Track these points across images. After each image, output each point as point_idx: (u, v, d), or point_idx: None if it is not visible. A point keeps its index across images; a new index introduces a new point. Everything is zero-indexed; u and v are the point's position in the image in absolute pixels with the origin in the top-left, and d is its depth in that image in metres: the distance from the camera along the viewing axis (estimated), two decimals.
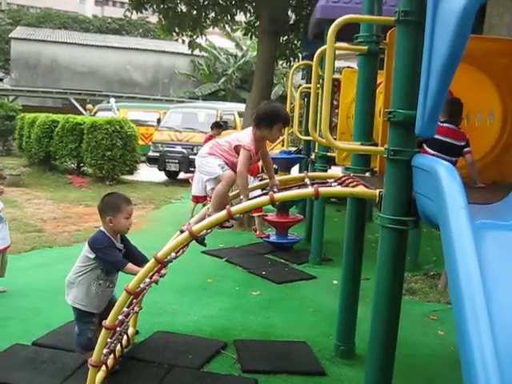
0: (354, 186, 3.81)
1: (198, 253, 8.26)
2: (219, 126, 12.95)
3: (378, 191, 3.43)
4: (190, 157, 16.15)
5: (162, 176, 18.73)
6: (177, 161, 17.55)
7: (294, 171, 11.46)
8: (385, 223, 3.27)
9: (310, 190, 3.70)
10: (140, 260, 4.44)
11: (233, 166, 4.31)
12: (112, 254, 4.33)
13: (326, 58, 3.81)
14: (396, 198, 3.23)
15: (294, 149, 11.46)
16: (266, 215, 9.33)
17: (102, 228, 4.46)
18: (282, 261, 8.31)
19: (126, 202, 4.50)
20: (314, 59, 5.12)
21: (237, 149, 4.30)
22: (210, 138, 12.83)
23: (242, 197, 4.21)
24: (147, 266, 3.80)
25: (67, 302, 4.51)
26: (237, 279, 7.27)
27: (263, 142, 4.46)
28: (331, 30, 3.64)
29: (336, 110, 8.14)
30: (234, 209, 3.75)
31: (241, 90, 37.05)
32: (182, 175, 18.29)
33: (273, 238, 9.07)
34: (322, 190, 3.67)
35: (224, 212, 3.75)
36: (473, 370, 1.80)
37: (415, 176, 3.13)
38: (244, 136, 4.35)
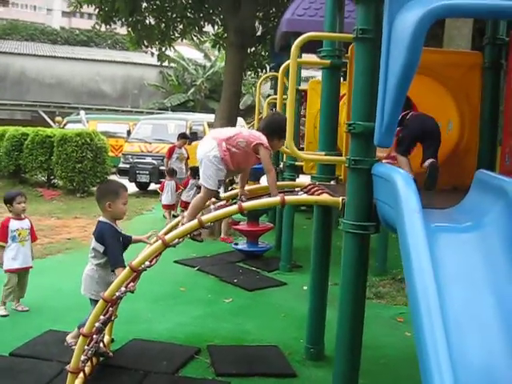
0: (318, 194, 3.99)
1: (170, 262, 8.40)
2: (185, 137, 13.21)
3: (341, 198, 3.62)
4: (161, 168, 16.21)
5: (132, 187, 18.73)
6: (147, 172, 17.59)
7: (264, 181, 11.62)
8: (347, 228, 3.46)
9: (276, 198, 3.88)
10: (128, 240, 4.74)
11: (236, 166, 4.47)
12: (117, 250, 4.50)
13: (290, 72, 3.99)
14: (357, 204, 3.43)
15: None
16: (238, 224, 9.48)
17: (102, 218, 4.64)
18: (253, 268, 8.45)
19: (123, 188, 4.71)
20: (280, 72, 5.31)
21: (255, 147, 4.41)
22: (174, 148, 13.03)
23: (272, 194, 4.27)
24: (122, 274, 3.93)
25: (84, 295, 4.67)
26: (209, 287, 7.40)
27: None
28: (294, 47, 3.83)
29: (304, 119, 8.35)
30: (204, 218, 3.91)
31: (210, 100, 37.16)
32: (152, 186, 18.32)
33: (244, 247, 9.21)
34: (288, 198, 3.85)
35: (195, 221, 3.91)
36: (427, 363, 1.97)
37: (375, 184, 3.32)
38: (261, 136, 4.48)
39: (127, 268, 3.92)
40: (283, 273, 8.20)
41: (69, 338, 4.84)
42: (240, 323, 6.03)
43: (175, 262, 8.56)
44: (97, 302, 4.36)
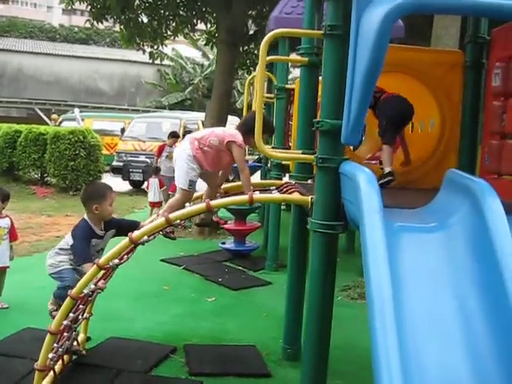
0: (290, 193, 3.95)
1: (156, 261, 8.38)
2: (175, 136, 13.19)
3: (310, 197, 3.58)
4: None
5: (126, 185, 18.72)
6: (141, 170, 17.58)
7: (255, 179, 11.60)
8: (315, 228, 3.42)
9: (245, 196, 3.84)
10: (135, 225, 4.55)
11: (211, 166, 4.47)
12: (82, 248, 4.41)
13: (258, 69, 3.95)
14: (325, 203, 3.39)
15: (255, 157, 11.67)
16: (226, 223, 9.45)
17: (85, 217, 4.57)
18: (240, 268, 8.42)
19: (110, 189, 4.65)
20: (260, 70, 5.26)
21: (228, 144, 4.42)
22: (164, 146, 13.01)
23: (245, 192, 4.25)
24: (90, 271, 3.89)
25: (48, 272, 4.60)
26: (193, 286, 7.37)
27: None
28: (263, 44, 3.80)
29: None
30: (172, 216, 3.87)
31: (207, 99, 36.88)
32: (145, 185, 18.31)
33: (231, 246, 9.18)
34: (256, 196, 3.82)
35: (162, 219, 3.87)
36: (378, 371, 1.94)
37: (342, 182, 3.28)
38: (236, 134, 4.49)
39: (94, 265, 3.88)
40: (269, 272, 8.17)
41: (49, 305, 4.72)
42: (220, 323, 5.99)
43: (162, 260, 8.54)
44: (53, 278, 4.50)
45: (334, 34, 3.31)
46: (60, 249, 4.58)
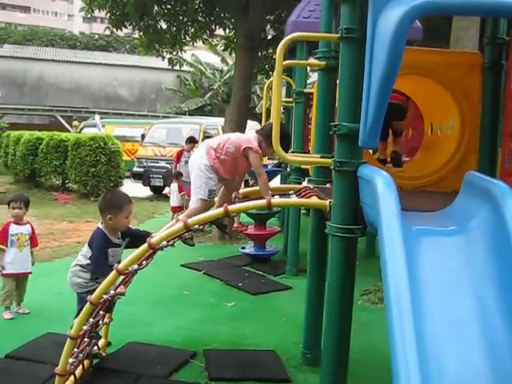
0: (308, 197, 3.94)
1: (177, 266, 8.40)
2: (193, 141, 13.21)
3: (328, 201, 3.57)
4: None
5: (146, 191, 18.80)
6: (161, 176, 17.66)
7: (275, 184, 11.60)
8: (333, 232, 3.41)
9: (262, 201, 3.84)
10: (147, 236, 4.51)
11: (228, 173, 4.52)
12: (99, 260, 4.45)
13: (274, 75, 3.95)
14: (343, 207, 3.37)
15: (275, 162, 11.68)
16: (247, 228, 9.45)
17: (100, 225, 4.59)
18: (260, 272, 8.42)
19: (128, 201, 4.65)
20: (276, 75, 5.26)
21: (245, 151, 4.48)
22: (182, 152, 13.03)
23: (264, 197, 4.28)
24: (108, 277, 3.91)
25: (72, 289, 4.67)
26: (213, 291, 7.36)
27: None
28: (279, 48, 3.79)
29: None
30: (190, 221, 3.88)
31: (227, 104, 36.93)
32: (166, 190, 18.38)
33: (251, 250, 9.19)
34: (274, 201, 3.81)
35: (181, 224, 3.88)
36: (396, 374, 1.93)
37: (360, 186, 3.26)
38: (251, 140, 4.54)
39: (113, 271, 3.89)
40: (289, 277, 8.15)
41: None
42: (240, 327, 5.99)
43: (182, 265, 8.56)
44: (80, 297, 4.50)
45: (350, 37, 3.30)
46: (80, 266, 4.62)
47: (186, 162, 12.68)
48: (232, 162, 4.49)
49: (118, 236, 4.60)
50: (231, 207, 3.85)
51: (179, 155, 13.07)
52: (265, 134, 4.53)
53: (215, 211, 3.98)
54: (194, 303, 6.77)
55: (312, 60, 5.95)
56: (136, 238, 4.62)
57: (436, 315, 2.27)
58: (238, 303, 6.83)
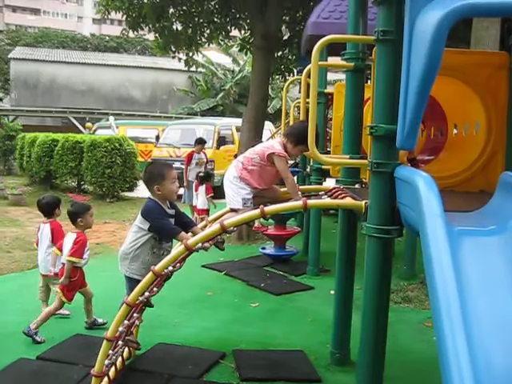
0: (342, 198, 3.96)
1: (198, 267, 8.43)
2: (202, 142, 13.16)
3: (364, 202, 3.59)
4: None
5: None
6: (176, 177, 17.64)
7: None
8: (370, 232, 3.42)
9: (299, 202, 3.87)
10: (189, 225, 4.61)
11: (262, 183, 4.60)
12: (165, 222, 4.45)
13: (311, 75, 3.97)
14: (380, 208, 3.39)
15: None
16: (267, 229, 9.46)
17: (151, 196, 4.57)
18: (281, 273, 8.43)
19: (168, 168, 4.66)
20: (303, 76, 5.30)
21: (269, 157, 4.56)
22: (192, 154, 12.96)
23: (294, 198, 4.41)
24: (145, 279, 3.94)
25: (121, 271, 4.62)
26: (236, 292, 7.39)
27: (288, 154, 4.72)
28: (315, 50, 3.81)
29: (331, 123, 8.31)
30: (227, 222, 3.91)
31: (239, 104, 37.23)
32: (181, 191, 18.39)
33: (271, 251, 9.19)
34: (311, 202, 3.83)
35: (217, 226, 3.91)
36: (448, 369, 1.94)
37: (398, 187, 3.28)
38: (274, 145, 4.64)
39: (150, 273, 3.92)
40: (311, 277, 8.17)
41: None
42: (266, 328, 6.02)
43: (203, 266, 8.60)
44: (131, 279, 4.45)
45: (386, 39, 3.31)
46: (134, 241, 4.53)
47: (197, 164, 12.69)
48: (260, 171, 4.60)
49: (168, 206, 4.59)
50: (267, 208, 3.88)
51: (190, 157, 13.04)
52: (292, 134, 4.59)
53: (252, 212, 4.00)
54: (219, 304, 6.81)
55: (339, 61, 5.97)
56: (178, 219, 4.64)
57: (482, 314, 2.28)
58: (262, 304, 6.85)
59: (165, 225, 4.43)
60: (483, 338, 2.19)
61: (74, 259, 5.44)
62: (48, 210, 6.15)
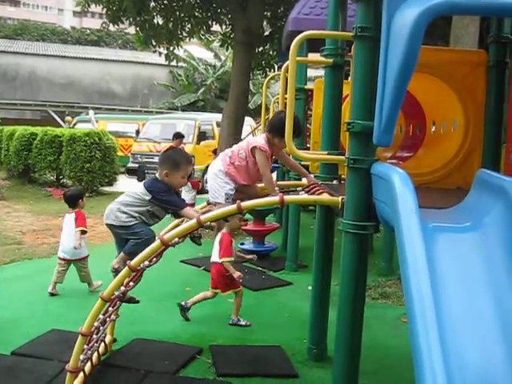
0: (319, 194, 3.96)
1: (176, 262, 8.40)
2: (180, 137, 13.10)
3: (340, 198, 3.59)
4: None
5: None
6: (156, 171, 17.61)
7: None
8: (346, 228, 3.43)
9: (275, 198, 3.86)
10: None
11: (248, 179, 4.59)
12: (173, 196, 4.39)
13: (289, 71, 3.96)
14: (357, 204, 3.40)
15: None
16: (245, 224, 9.45)
17: (157, 175, 4.45)
18: (259, 268, 8.42)
19: (188, 161, 4.54)
20: (282, 71, 5.31)
21: (252, 151, 4.54)
22: (170, 148, 12.89)
23: (271, 194, 4.34)
24: (121, 274, 3.92)
25: (108, 223, 4.44)
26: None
27: (277, 148, 4.66)
28: (293, 46, 3.81)
29: (311, 119, 8.30)
30: (203, 217, 3.89)
31: (220, 100, 37.12)
32: None
33: (250, 247, 9.19)
34: (287, 197, 3.83)
35: (194, 221, 3.89)
36: (421, 365, 1.95)
37: (374, 183, 3.28)
38: (257, 139, 4.64)
39: (126, 268, 3.90)
40: (289, 272, 8.19)
41: (114, 264, 4.41)
42: None
43: (181, 261, 8.58)
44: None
45: (364, 36, 3.32)
46: (126, 204, 4.38)
47: None
48: (247, 167, 4.56)
49: None
50: (244, 204, 3.86)
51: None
52: (275, 128, 4.52)
53: (229, 207, 3.98)
54: None
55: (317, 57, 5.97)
56: None
57: (455, 311, 2.29)
58: None
59: (172, 197, 4.37)
60: (456, 334, 2.20)
61: None
62: (72, 201, 6.89)
